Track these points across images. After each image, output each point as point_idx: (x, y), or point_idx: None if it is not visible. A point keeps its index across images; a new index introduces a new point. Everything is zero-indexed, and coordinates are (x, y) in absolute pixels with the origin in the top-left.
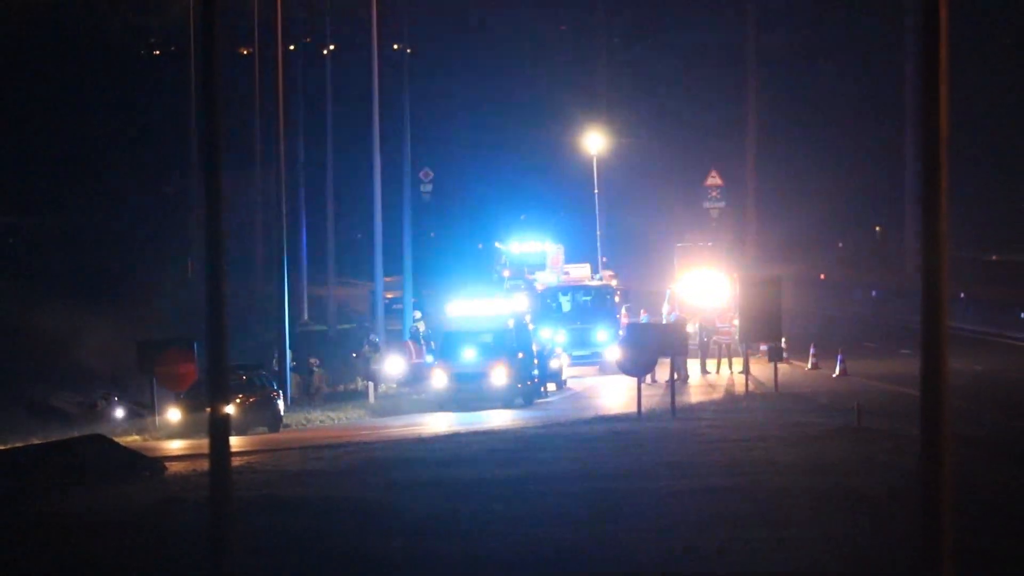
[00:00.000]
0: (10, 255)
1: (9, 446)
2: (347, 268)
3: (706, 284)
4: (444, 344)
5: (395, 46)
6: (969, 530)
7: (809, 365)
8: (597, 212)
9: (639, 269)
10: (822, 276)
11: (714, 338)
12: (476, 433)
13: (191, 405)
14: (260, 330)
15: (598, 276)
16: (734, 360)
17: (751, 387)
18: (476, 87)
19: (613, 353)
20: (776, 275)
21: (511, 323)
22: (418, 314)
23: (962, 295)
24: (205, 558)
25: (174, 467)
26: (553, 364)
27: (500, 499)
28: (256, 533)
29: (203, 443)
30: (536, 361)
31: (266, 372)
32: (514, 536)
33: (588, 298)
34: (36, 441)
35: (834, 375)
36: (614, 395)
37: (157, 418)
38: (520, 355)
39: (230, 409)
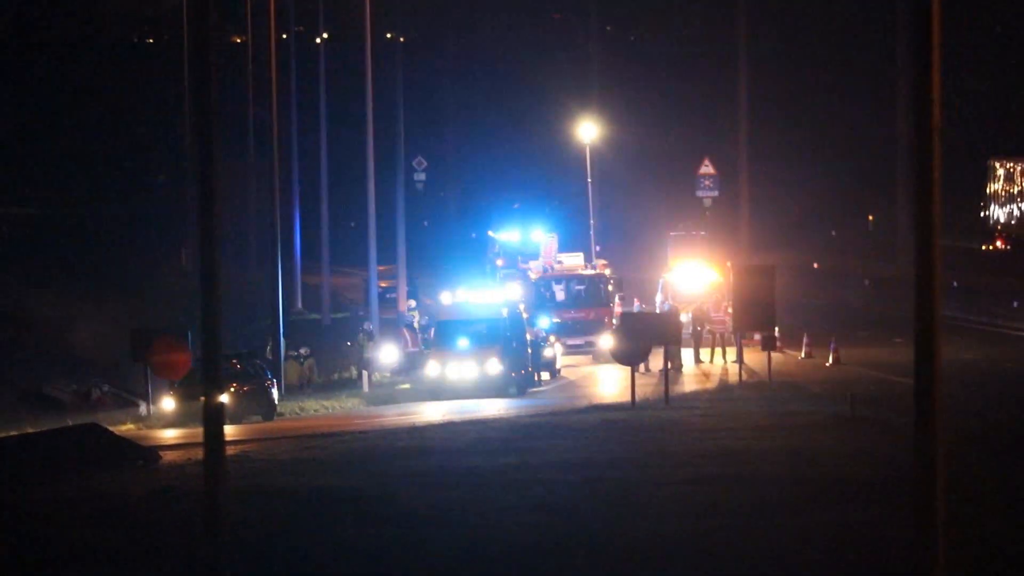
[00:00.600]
0: (3, 243)
1: (2, 435)
2: (341, 256)
3: (699, 273)
4: (438, 333)
5: (388, 35)
6: (963, 519)
7: (803, 354)
8: (590, 201)
9: (633, 258)
10: (815, 265)
11: (707, 327)
12: (470, 422)
13: (185, 393)
14: (253, 318)
15: (592, 265)
16: (728, 349)
17: (745, 376)
18: (469, 77)
19: (607, 342)
20: (770, 264)
21: (504, 312)
22: (412, 302)
23: (955, 284)
24: (199, 546)
25: (168, 456)
26: (547, 353)
27: (494, 487)
28: (249, 522)
29: (197, 432)
30: (530, 350)
31: (260, 360)
32: (507, 524)
33: (582, 287)
34: (29, 430)
35: (827, 363)
36: (608, 384)
37: (152, 407)
38: (514, 344)
39: (224, 398)
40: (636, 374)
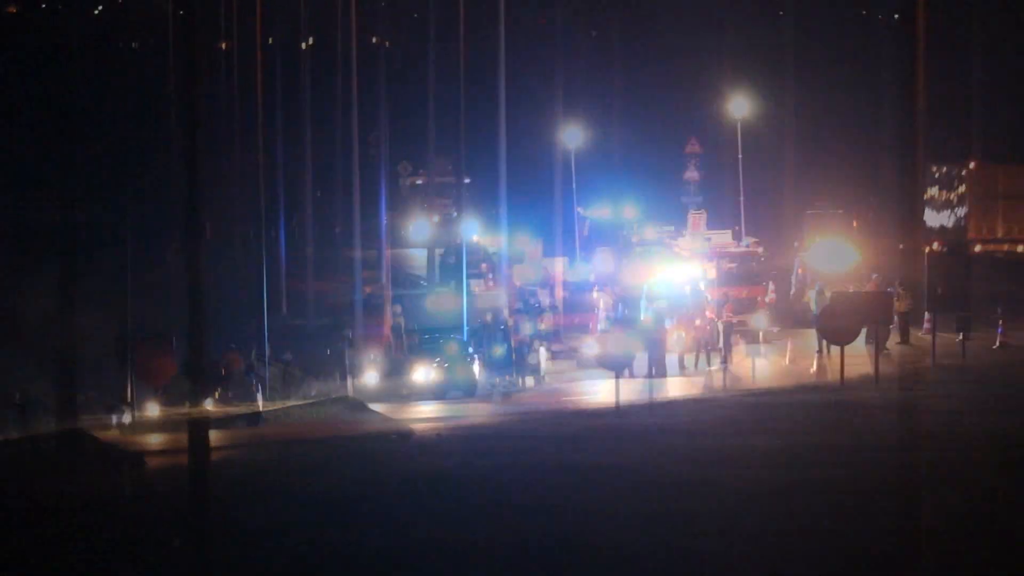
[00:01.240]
0: None
1: None
2: (326, 263)
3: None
4: (423, 338)
5: (373, 39)
6: None
7: (997, 343)
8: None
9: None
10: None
11: (691, 333)
12: (453, 428)
13: (170, 399)
14: (237, 324)
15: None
16: (712, 355)
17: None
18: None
19: (591, 348)
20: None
21: (488, 318)
22: (398, 308)
23: None
24: (184, 550)
25: (153, 461)
26: (531, 359)
27: (478, 491)
28: (232, 525)
29: (182, 437)
30: (515, 356)
31: (246, 366)
32: (493, 526)
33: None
34: (14, 435)
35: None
36: (592, 390)
37: (136, 413)
38: (497, 349)
39: (209, 404)
40: (620, 380)
